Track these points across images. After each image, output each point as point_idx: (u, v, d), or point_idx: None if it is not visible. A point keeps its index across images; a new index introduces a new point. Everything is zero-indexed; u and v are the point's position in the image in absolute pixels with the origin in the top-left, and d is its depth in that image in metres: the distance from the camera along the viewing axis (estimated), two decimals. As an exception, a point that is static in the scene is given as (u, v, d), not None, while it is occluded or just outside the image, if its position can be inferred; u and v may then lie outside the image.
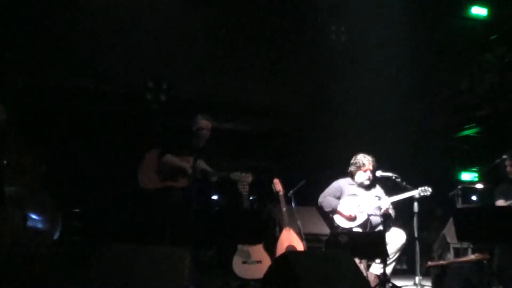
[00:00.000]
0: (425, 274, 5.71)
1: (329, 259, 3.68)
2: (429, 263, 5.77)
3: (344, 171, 5.72)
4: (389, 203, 5.33)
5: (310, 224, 6.16)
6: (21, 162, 4.10)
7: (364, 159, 5.55)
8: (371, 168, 5.51)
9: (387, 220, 5.32)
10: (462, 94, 8.55)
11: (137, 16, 7.13)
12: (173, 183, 4.98)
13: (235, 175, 5.06)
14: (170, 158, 5.03)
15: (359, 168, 5.55)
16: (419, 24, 8.24)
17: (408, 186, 5.23)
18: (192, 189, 4.83)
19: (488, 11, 8.09)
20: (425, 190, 5.15)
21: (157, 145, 5.17)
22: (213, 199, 6.22)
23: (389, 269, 5.10)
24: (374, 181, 5.61)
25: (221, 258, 5.33)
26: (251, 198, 5.63)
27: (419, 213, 5.16)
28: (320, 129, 8.36)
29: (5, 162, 4.04)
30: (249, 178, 5.06)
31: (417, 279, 5.10)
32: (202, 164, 4.97)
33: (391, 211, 5.37)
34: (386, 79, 8.32)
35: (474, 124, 8.54)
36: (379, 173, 5.42)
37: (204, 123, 5.17)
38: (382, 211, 5.28)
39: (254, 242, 5.14)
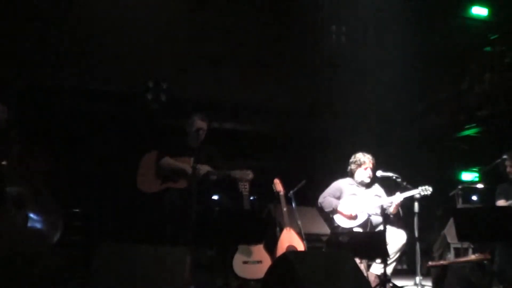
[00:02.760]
0: (425, 274, 5.71)
1: (329, 259, 3.68)
2: (430, 263, 5.77)
3: (344, 171, 5.71)
4: (401, 199, 5.25)
5: (310, 224, 6.16)
6: (23, 162, 4.10)
7: (364, 157, 5.55)
8: (371, 166, 5.51)
9: (387, 219, 5.31)
10: (462, 94, 8.56)
11: (137, 16, 7.13)
12: (173, 185, 4.96)
13: (236, 173, 5.04)
14: (168, 161, 5.01)
15: (359, 165, 5.54)
16: (420, 24, 8.25)
17: (408, 186, 5.22)
18: (192, 189, 4.82)
19: (489, 11, 8.12)
20: (426, 190, 5.13)
21: (154, 147, 5.14)
22: (214, 199, 6.21)
23: (389, 269, 5.10)
24: (373, 181, 5.61)
25: (221, 258, 5.32)
26: (251, 198, 5.62)
27: (419, 213, 5.15)
28: (320, 129, 8.35)
29: (6, 162, 4.04)
30: (249, 175, 5.04)
31: (417, 279, 5.09)
32: (202, 168, 4.94)
33: (400, 208, 5.34)
34: (387, 79, 8.31)
35: (474, 124, 8.53)
36: (379, 173, 5.41)
37: (200, 123, 5.15)
38: (394, 206, 5.23)
39: (254, 242, 5.13)
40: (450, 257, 6.74)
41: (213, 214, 4.42)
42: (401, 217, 5.46)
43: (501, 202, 5.46)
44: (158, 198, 4.95)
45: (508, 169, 5.56)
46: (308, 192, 5.99)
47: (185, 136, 5.20)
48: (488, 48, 8.32)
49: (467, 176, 9.10)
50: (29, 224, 4.01)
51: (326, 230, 6.13)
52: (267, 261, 5.21)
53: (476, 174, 8.92)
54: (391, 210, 5.26)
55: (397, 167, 5.62)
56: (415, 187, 5.19)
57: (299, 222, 5.67)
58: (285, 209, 5.68)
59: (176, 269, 3.37)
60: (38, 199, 4.13)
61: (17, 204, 3.98)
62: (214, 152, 5.24)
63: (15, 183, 4.02)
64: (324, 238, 6.09)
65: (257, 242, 5.11)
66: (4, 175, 4.01)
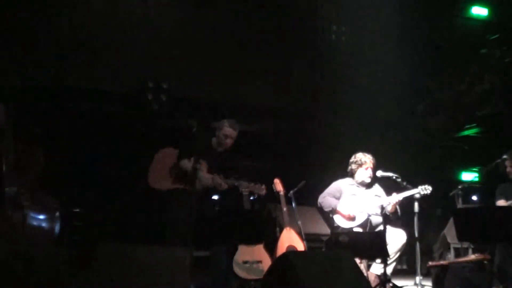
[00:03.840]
0: (425, 274, 5.72)
1: (329, 259, 3.68)
2: (430, 263, 5.77)
3: (344, 171, 5.71)
4: (401, 198, 5.25)
5: (310, 224, 6.16)
6: (20, 162, 4.09)
7: (365, 157, 5.55)
8: (371, 166, 5.51)
9: (387, 219, 5.31)
10: (462, 94, 8.56)
11: (137, 16, 7.13)
12: (184, 186, 4.84)
13: (250, 186, 4.93)
14: (186, 163, 4.87)
15: (360, 165, 5.54)
16: (420, 24, 8.25)
17: (408, 186, 5.23)
18: (193, 189, 4.77)
19: (489, 11, 8.12)
20: (426, 189, 5.14)
21: (170, 144, 5.03)
22: (213, 199, 6.20)
23: (389, 269, 5.10)
24: (373, 181, 5.61)
25: (221, 258, 5.32)
26: (251, 198, 5.62)
27: (419, 213, 5.16)
28: (321, 129, 8.35)
29: (4, 162, 4.03)
30: (263, 190, 4.96)
31: (417, 279, 5.09)
32: (217, 180, 4.81)
33: (397, 207, 5.34)
34: (387, 79, 8.32)
35: (474, 124, 8.54)
36: (379, 173, 5.42)
37: (229, 131, 4.98)
38: (391, 205, 5.24)
39: (254, 242, 5.12)
40: (450, 257, 6.73)
41: (213, 214, 4.41)
42: (399, 217, 5.46)
43: (501, 202, 5.46)
44: (164, 197, 4.89)
45: (508, 169, 5.56)
46: (308, 192, 5.98)
47: (209, 138, 5.06)
48: (487, 48, 8.32)
49: (467, 176, 9.09)
50: (28, 223, 4.01)
51: (326, 230, 6.13)
52: (267, 261, 5.21)
53: (476, 174, 8.92)
54: (389, 208, 5.26)
55: (397, 167, 5.62)
56: (415, 187, 5.19)
57: (299, 222, 5.67)
58: (285, 209, 5.68)
59: (176, 269, 3.37)
60: (36, 198, 4.12)
61: (15, 203, 3.98)
62: (235, 162, 5.13)
63: (13, 183, 4.01)
64: (324, 238, 6.09)
65: (257, 242, 5.11)
66: (2, 175, 4.00)
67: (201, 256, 5.23)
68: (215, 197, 5.25)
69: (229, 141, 5.01)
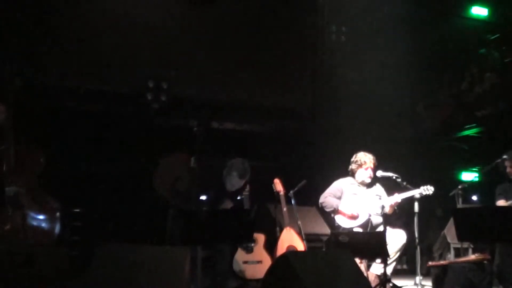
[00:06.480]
0: (425, 274, 5.72)
1: (329, 259, 3.68)
2: (430, 263, 5.78)
3: (345, 171, 5.71)
4: (399, 200, 5.25)
5: (310, 224, 6.16)
6: (20, 162, 4.10)
7: (365, 157, 5.54)
8: (372, 166, 5.51)
9: (388, 220, 5.31)
10: (462, 94, 8.56)
11: (137, 16, 7.12)
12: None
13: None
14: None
15: (360, 166, 5.54)
16: (420, 24, 8.26)
17: (408, 186, 5.23)
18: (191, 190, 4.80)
19: (489, 11, 8.12)
20: (428, 189, 5.14)
21: (176, 147, 5.08)
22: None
23: (389, 269, 5.10)
24: (374, 181, 5.60)
25: (221, 258, 5.32)
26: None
27: (419, 213, 5.16)
28: (321, 128, 8.35)
29: (4, 162, 4.04)
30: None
31: (417, 279, 5.10)
32: None
33: (395, 208, 5.35)
34: (387, 79, 8.31)
35: (474, 124, 8.53)
36: (379, 173, 5.41)
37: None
38: (392, 204, 5.23)
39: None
40: (450, 257, 6.73)
41: (201, 214, 4.40)
42: (398, 217, 5.46)
43: (501, 202, 5.47)
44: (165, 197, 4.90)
45: (508, 169, 5.57)
46: (308, 192, 5.98)
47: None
48: (487, 48, 8.32)
49: (467, 176, 9.08)
50: (28, 223, 4.01)
51: (326, 230, 6.13)
52: (267, 261, 5.21)
53: (476, 174, 8.91)
54: (386, 210, 5.27)
55: (397, 167, 5.62)
56: (415, 187, 5.19)
57: (299, 222, 5.66)
58: (285, 209, 5.68)
59: (176, 269, 3.37)
60: (36, 198, 4.13)
61: (15, 203, 3.98)
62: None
63: (13, 183, 4.02)
64: (325, 238, 6.09)
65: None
66: (2, 175, 4.01)
67: (201, 256, 5.24)
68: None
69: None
